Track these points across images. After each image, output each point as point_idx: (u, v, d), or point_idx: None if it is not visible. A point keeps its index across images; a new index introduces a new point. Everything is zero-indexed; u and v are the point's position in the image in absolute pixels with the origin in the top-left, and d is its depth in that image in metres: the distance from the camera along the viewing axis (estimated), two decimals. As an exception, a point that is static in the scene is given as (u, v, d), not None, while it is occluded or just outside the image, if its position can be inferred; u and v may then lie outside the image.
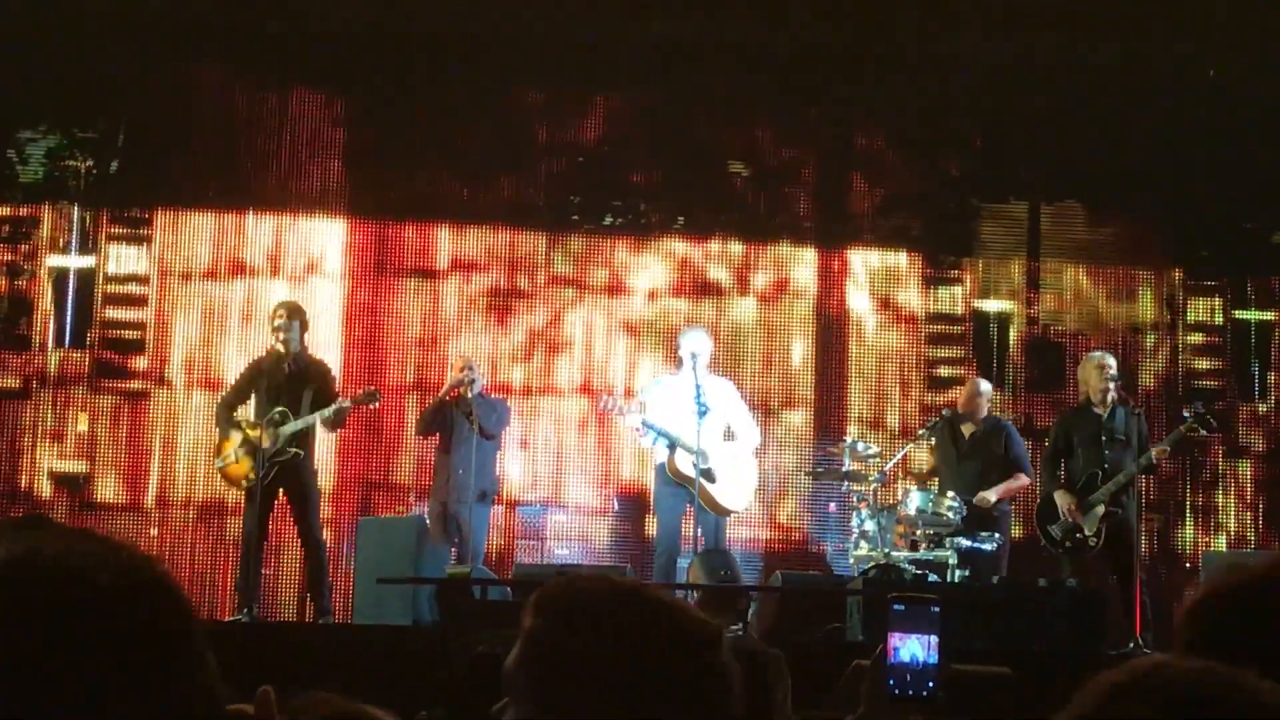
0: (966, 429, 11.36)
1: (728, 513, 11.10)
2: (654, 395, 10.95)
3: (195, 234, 13.04)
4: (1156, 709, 1.49)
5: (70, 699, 1.47)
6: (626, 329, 13.26)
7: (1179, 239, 13.82)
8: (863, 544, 10.83)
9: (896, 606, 2.87)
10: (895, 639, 2.90)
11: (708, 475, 10.68)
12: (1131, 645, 9.87)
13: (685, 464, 10.63)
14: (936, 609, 2.87)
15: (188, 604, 1.64)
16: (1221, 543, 13.38)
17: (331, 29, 12.97)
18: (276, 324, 10.59)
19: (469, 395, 11.00)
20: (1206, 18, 12.61)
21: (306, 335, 10.86)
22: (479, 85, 13.23)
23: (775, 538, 13.05)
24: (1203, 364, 13.77)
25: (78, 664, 1.48)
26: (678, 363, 11.00)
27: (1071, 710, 1.56)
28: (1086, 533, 10.64)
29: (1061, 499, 10.75)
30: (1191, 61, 13.31)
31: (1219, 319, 13.82)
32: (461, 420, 10.99)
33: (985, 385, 11.71)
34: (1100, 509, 10.59)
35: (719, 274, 13.44)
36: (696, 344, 10.87)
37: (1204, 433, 11.37)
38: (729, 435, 11.08)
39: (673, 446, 10.69)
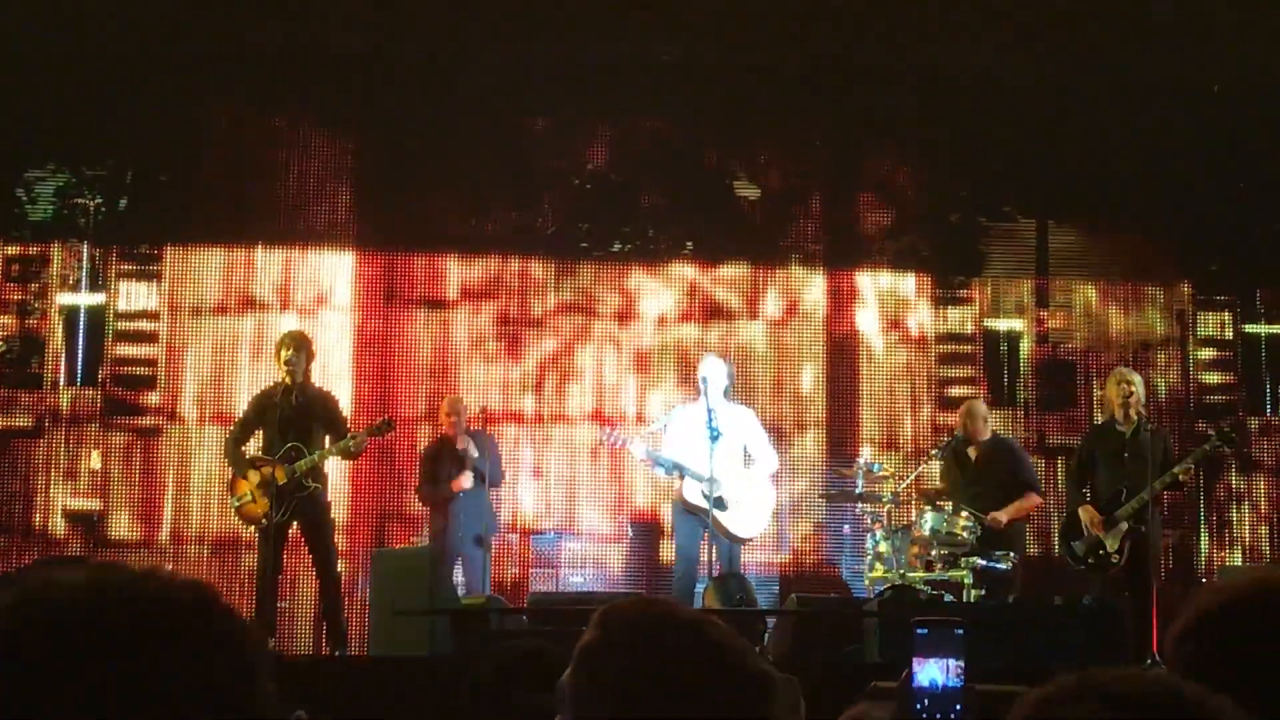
0: (972, 452, 11.34)
1: (741, 540, 11.08)
2: (672, 424, 10.96)
3: (204, 269, 13.06)
4: (1087, 712, 1.50)
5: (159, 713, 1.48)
6: (637, 355, 13.26)
7: (1187, 253, 13.82)
8: (878, 565, 10.80)
9: (920, 630, 2.86)
10: (916, 663, 2.89)
11: (718, 503, 10.66)
12: (1149, 662, 9.84)
13: (693, 493, 10.63)
14: (960, 631, 2.86)
15: (253, 629, 1.67)
16: (1237, 557, 13.35)
17: (338, 61, 13.01)
18: (283, 356, 10.59)
19: (465, 443, 11.19)
20: (1211, 31, 12.62)
21: (314, 366, 10.88)
22: (485, 114, 13.26)
23: (790, 561, 13.03)
24: (1214, 378, 13.75)
25: (164, 680, 1.49)
26: (698, 391, 10.99)
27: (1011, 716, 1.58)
28: (1110, 549, 10.61)
29: (1085, 515, 10.72)
30: (1196, 75, 13.31)
31: (1229, 333, 13.81)
32: (455, 464, 11.16)
33: (980, 407, 11.69)
34: (1124, 525, 10.56)
35: (728, 298, 13.45)
36: (709, 369, 10.87)
37: (1228, 450, 11.42)
38: (748, 461, 11.07)
39: (683, 475, 10.68)
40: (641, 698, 1.94)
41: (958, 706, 2.82)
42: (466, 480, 11.22)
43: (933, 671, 2.89)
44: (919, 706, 2.81)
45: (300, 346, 10.65)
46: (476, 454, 11.26)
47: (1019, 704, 1.59)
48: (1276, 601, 2.11)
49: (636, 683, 1.94)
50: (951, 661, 2.89)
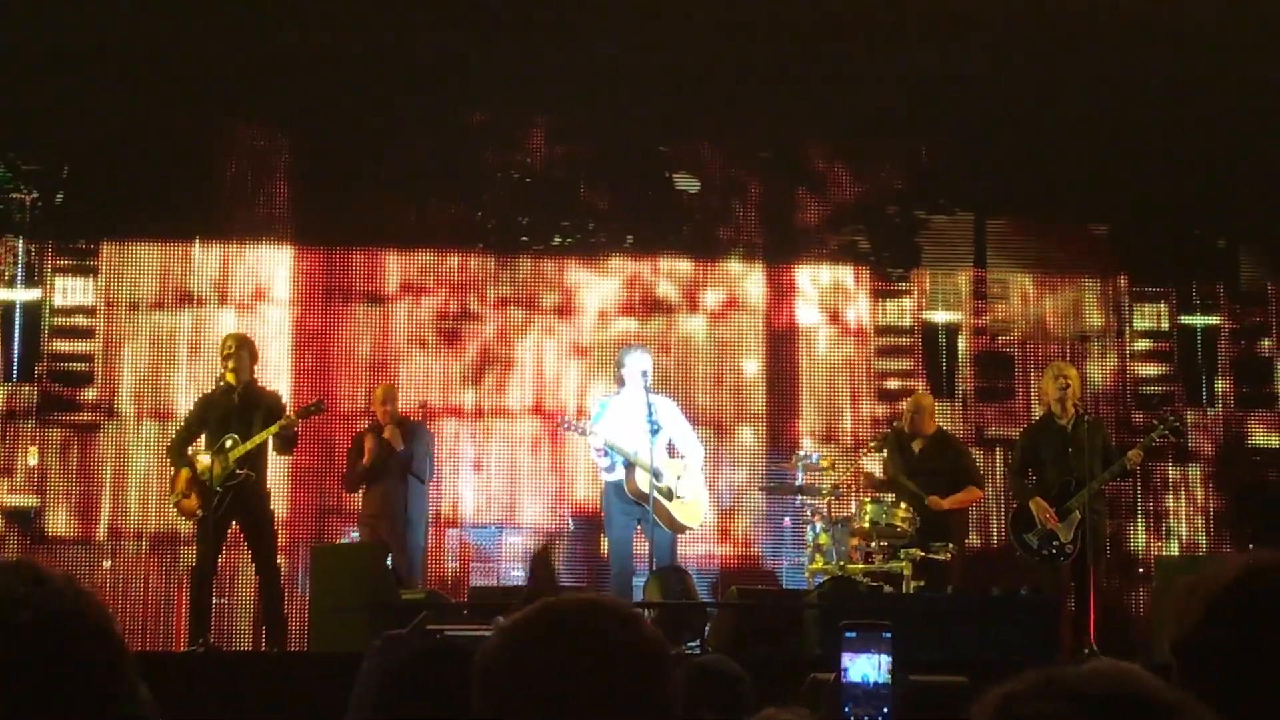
0: (915, 445, 11.42)
1: (685, 530, 11.11)
2: (605, 417, 10.95)
3: (142, 264, 12.99)
4: (1052, 709, 1.51)
5: None
6: (577, 349, 13.27)
7: (1124, 247, 13.93)
8: (817, 557, 10.85)
9: (848, 634, 2.89)
10: (846, 659, 2.92)
11: (666, 494, 10.69)
12: (1087, 651, 9.92)
13: (644, 482, 10.63)
14: (888, 635, 2.89)
15: (113, 636, 1.64)
16: (1174, 547, 13.47)
17: (275, 56, 12.94)
18: (225, 355, 10.57)
19: (395, 431, 11.17)
20: (1148, 28, 12.72)
21: (256, 365, 10.86)
22: (425, 109, 13.23)
23: (730, 554, 13.07)
24: (1150, 370, 13.87)
25: (34, 684, 1.48)
26: (619, 382, 11.00)
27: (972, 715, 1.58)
28: (1064, 540, 10.71)
29: (1037, 508, 10.80)
30: (1133, 69, 13.41)
31: (1165, 325, 13.92)
32: (387, 451, 11.15)
33: (926, 400, 11.79)
34: (1077, 515, 10.66)
35: (668, 292, 13.47)
36: (646, 362, 10.88)
37: (1174, 439, 11.60)
38: (674, 453, 11.10)
39: (630, 466, 10.69)
40: (527, 703, 1.93)
41: (885, 709, 2.85)
42: (370, 452, 11.18)
43: (862, 666, 2.92)
44: (848, 709, 2.85)
45: (242, 346, 10.65)
46: (402, 446, 11.23)
47: (983, 700, 1.60)
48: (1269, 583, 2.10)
49: (524, 689, 1.93)
50: (878, 658, 2.93)
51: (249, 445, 10.37)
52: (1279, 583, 2.08)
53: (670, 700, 1.98)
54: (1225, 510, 13.54)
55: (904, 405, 11.87)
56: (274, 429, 10.44)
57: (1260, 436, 13.80)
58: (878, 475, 11.53)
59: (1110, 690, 1.52)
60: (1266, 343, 13.93)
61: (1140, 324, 13.91)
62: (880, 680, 2.90)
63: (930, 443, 11.43)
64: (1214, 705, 1.81)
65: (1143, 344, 13.90)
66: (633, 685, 1.94)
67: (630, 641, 1.98)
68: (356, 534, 11.61)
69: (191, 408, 10.97)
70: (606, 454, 10.74)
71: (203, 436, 10.59)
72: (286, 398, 11.61)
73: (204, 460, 10.36)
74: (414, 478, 11.32)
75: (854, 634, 2.89)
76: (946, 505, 11.13)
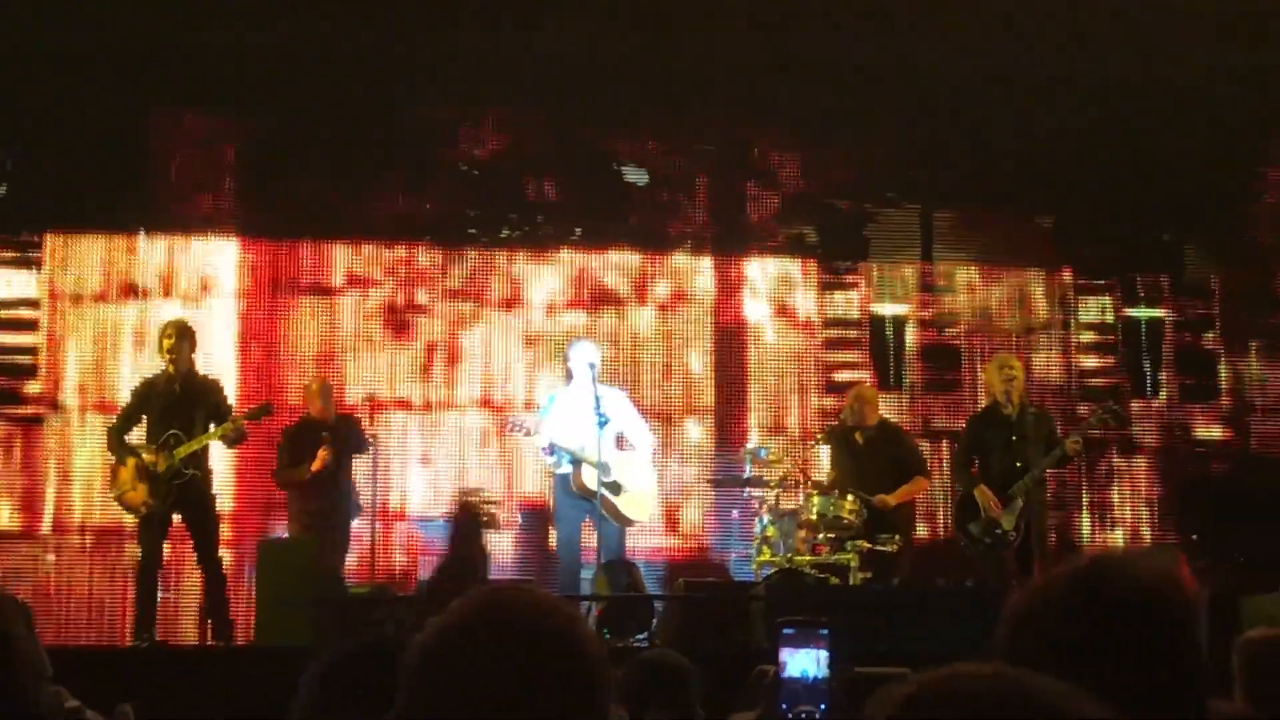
0: (860, 436, 11.46)
1: (633, 523, 11.12)
2: (552, 411, 10.95)
3: (86, 257, 12.90)
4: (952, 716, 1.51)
5: None
6: (525, 341, 13.25)
7: (1069, 239, 14.01)
8: (765, 549, 10.87)
9: (786, 630, 2.90)
10: (785, 654, 2.94)
11: (613, 487, 10.70)
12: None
13: (590, 478, 10.64)
14: (825, 631, 2.90)
15: (9, 638, 1.63)
16: (1118, 537, 13.57)
17: (220, 48, 12.85)
18: (165, 344, 10.53)
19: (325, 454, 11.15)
20: (1093, 22, 12.80)
21: (198, 354, 10.83)
22: (371, 101, 13.18)
23: (678, 546, 13.09)
24: (1095, 362, 13.95)
25: None
26: (567, 375, 11.00)
27: None
28: (1006, 528, 10.78)
29: (982, 497, 10.87)
30: (1078, 63, 13.49)
31: (1110, 317, 14.01)
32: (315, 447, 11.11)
33: (870, 392, 11.86)
34: (1020, 503, 10.74)
35: (617, 284, 13.47)
36: (593, 354, 10.89)
37: (1113, 425, 11.71)
38: (624, 444, 11.11)
39: (577, 463, 10.69)
40: (452, 704, 1.92)
41: (823, 704, 2.86)
42: (324, 460, 11.12)
43: (801, 661, 2.93)
44: (785, 706, 2.86)
45: (183, 335, 10.61)
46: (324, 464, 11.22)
47: (882, 698, 1.59)
48: (1088, 592, 2.13)
49: (449, 691, 1.92)
50: (817, 653, 2.94)
51: (194, 445, 10.34)
52: (1107, 595, 2.11)
53: (602, 701, 1.98)
54: (1168, 502, 13.64)
55: (846, 397, 11.92)
56: (220, 432, 10.42)
57: (1203, 429, 13.91)
58: (824, 481, 11.51)
59: (1010, 702, 1.52)
60: (1210, 335, 14.03)
61: (1085, 316, 13.99)
62: (819, 675, 2.92)
63: (874, 434, 11.48)
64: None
65: (1087, 336, 13.98)
66: (564, 686, 1.94)
67: (564, 642, 1.97)
68: (286, 531, 11.54)
69: (130, 396, 10.91)
70: (552, 451, 10.76)
71: (143, 426, 10.55)
72: (233, 391, 11.59)
73: (148, 455, 10.32)
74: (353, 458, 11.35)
75: (792, 630, 2.90)
76: (894, 501, 11.18)
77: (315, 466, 11.10)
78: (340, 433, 11.31)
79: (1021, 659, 2.02)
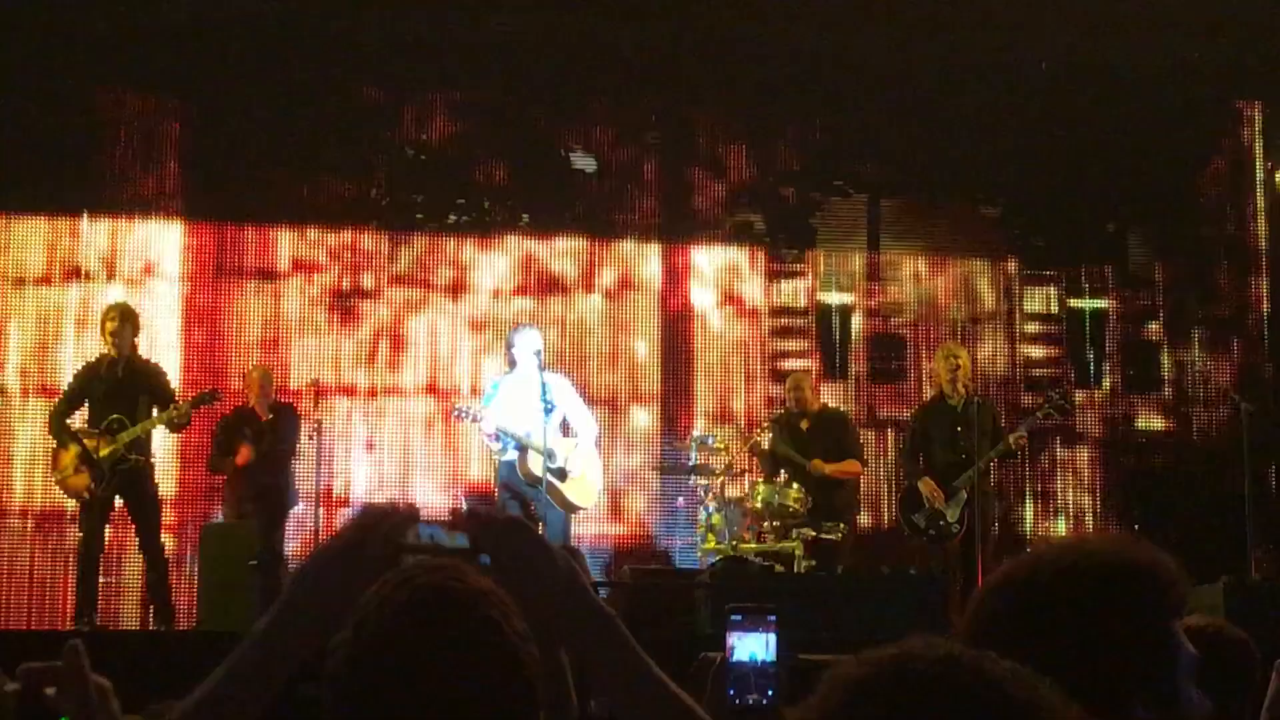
0: (803, 424, 11.49)
1: (578, 509, 11.12)
2: (497, 398, 10.91)
3: (28, 239, 12.77)
4: (899, 705, 1.50)
5: None
6: (472, 327, 13.21)
7: (1015, 229, 14.08)
8: (710, 537, 10.88)
9: (734, 617, 2.90)
10: (734, 638, 2.93)
11: (559, 474, 10.68)
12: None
13: (536, 465, 10.62)
14: (774, 618, 2.90)
15: None
16: (1061, 526, 13.65)
17: (165, 27, 12.74)
18: (108, 328, 10.46)
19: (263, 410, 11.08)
20: (1037, 11, 12.85)
21: (142, 338, 10.76)
22: (318, 84, 13.10)
23: (623, 533, 13.08)
24: (1040, 352, 14.02)
25: None
26: (510, 363, 10.98)
27: (814, 707, 1.55)
28: (950, 519, 10.84)
29: (926, 488, 10.94)
30: (1024, 54, 13.55)
31: (1054, 308, 14.08)
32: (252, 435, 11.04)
33: (805, 379, 11.90)
34: (963, 495, 10.81)
35: (564, 271, 13.44)
36: (537, 341, 10.86)
37: (1058, 417, 11.77)
38: (569, 431, 11.09)
39: (522, 449, 10.67)
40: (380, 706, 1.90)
41: (770, 690, 2.86)
42: (245, 457, 11.06)
43: (750, 645, 2.93)
44: (733, 691, 2.85)
45: (125, 318, 10.54)
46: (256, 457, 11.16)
47: (832, 683, 1.57)
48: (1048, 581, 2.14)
49: (376, 690, 1.90)
50: (765, 637, 2.94)
51: (138, 430, 10.27)
52: (1077, 580, 2.12)
53: (530, 696, 1.97)
54: (1112, 492, 13.73)
55: (785, 386, 11.96)
56: (165, 418, 10.36)
57: (1145, 420, 14.00)
58: (764, 448, 11.54)
59: (963, 686, 1.51)
60: (1154, 326, 14.12)
61: (1030, 306, 14.06)
62: (767, 659, 2.91)
63: (817, 420, 11.53)
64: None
65: (1032, 326, 14.05)
66: (495, 686, 1.92)
67: (494, 639, 1.95)
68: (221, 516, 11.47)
69: (72, 379, 10.83)
70: (498, 438, 10.73)
71: (85, 410, 10.48)
72: (176, 375, 11.52)
73: (91, 440, 10.25)
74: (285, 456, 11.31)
75: (740, 616, 2.90)
76: (829, 471, 11.21)
77: (239, 462, 11.03)
78: (274, 425, 11.22)
79: (992, 638, 2.03)
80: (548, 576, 1.98)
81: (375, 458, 12.90)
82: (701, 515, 11.11)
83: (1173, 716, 2.09)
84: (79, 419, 10.59)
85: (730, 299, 13.62)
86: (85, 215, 12.85)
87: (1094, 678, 2.02)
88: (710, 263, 13.67)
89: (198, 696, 1.92)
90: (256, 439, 11.03)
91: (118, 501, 10.52)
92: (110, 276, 12.78)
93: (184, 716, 1.85)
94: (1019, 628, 2.10)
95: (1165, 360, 14.06)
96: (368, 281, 13.15)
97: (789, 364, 13.39)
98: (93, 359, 10.77)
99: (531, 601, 1.98)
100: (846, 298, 13.85)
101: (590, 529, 12.49)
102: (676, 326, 13.52)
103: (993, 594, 2.17)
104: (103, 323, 10.61)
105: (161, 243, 12.92)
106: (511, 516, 2.09)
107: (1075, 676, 1.93)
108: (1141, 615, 2.11)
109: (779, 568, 10.61)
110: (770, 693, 2.87)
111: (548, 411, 10.50)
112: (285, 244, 13.08)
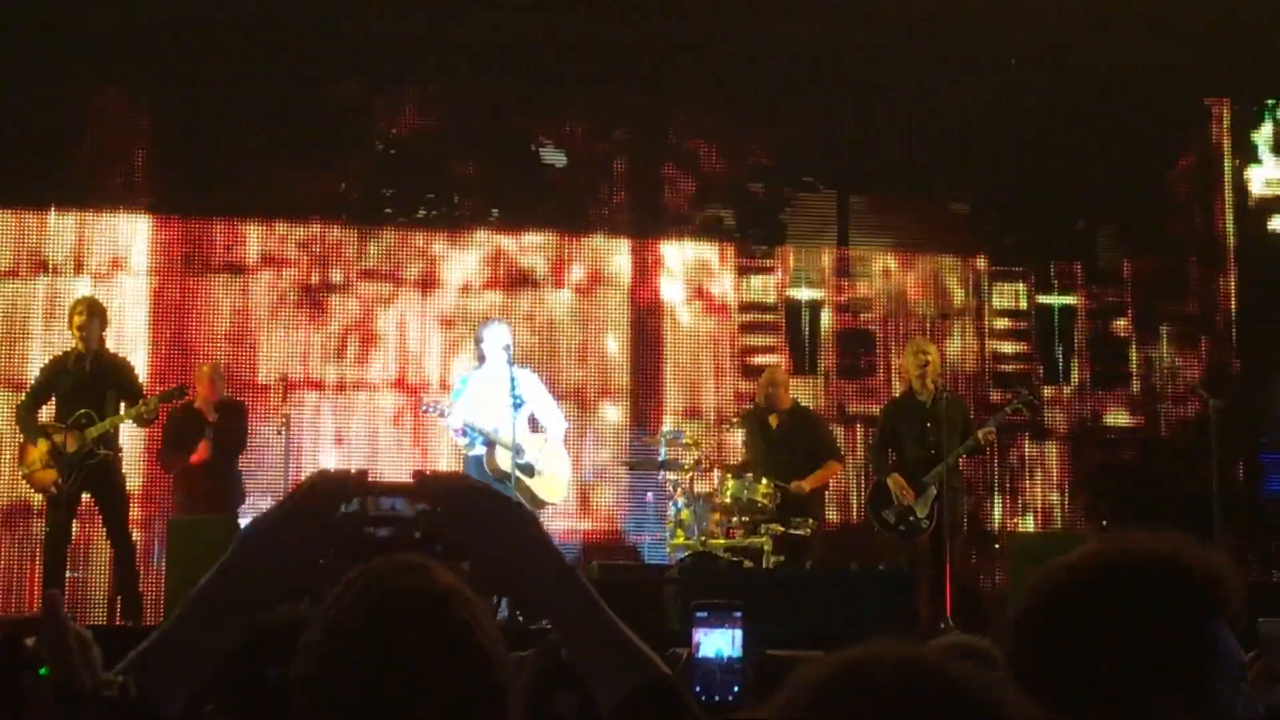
0: (773, 420, 11.49)
1: (546, 505, 11.10)
2: (466, 393, 10.88)
3: (-6, 232, 12.72)
4: (861, 707, 1.50)
5: None
6: (441, 322, 13.19)
7: (984, 226, 14.11)
8: (679, 532, 10.88)
9: (700, 613, 2.89)
10: (700, 634, 2.93)
11: (527, 470, 10.67)
12: (943, 626, 10.06)
13: (504, 460, 10.60)
14: (739, 614, 2.90)
15: None
16: (1029, 523, 13.69)
17: (135, 20, 12.68)
18: (75, 322, 10.42)
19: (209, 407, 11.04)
20: (1007, 9, 12.88)
21: (110, 332, 10.72)
22: (288, 77, 13.05)
23: (591, 529, 13.08)
24: (1008, 348, 14.06)
25: None
26: (479, 358, 10.96)
27: (776, 708, 1.55)
28: (920, 515, 10.85)
29: (894, 484, 10.96)
30: (993, 50, 13.58)
31: (1024, 304, 14.12)
32: (201, 432, 10.97)
33: (779, 375, 11.88)
34: (933, 490, 10.82)
35: (533, 266, 13.43)
36: (506, 336, 10.83)
37: (1026, 413, 11.81)
38: (536, 426, 11.08)
39: (490, 444, 10.65)
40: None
41: (736, 686, 2.86)
42: (204, 454, 11.00)
43: (716, 640, 2.93)
44: (700, 689, 2.85)
45: (93, 313, 10.50)
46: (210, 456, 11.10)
47: (794, 686, 1.57)
48: (1115, 577, 2.15)
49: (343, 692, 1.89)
50: (732, 633, 2.93)
51: (106, 425, 10.23)
52: (1114, 575, 2.13)
53: (501, 699, 1.96)
54: (1080, 488, 13.77)
55: (758, 381, 11.96)
56: (134, 413, 10.33)
57: (1114, 416, 14.05)
58: (736, 463, 11.53)
59: (925, 688, 1.50)
60: (1122, 322, 14.17)
61: (999, 303, 14.09)
62: (733, 655, 2.91)
63: (787, 417, 11.52)
64: (1040, 681, 1.86)
65: (1001, 322, 14.08)
66: (464, 682, 1.91)
67: (462, 636, 1.95)
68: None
69: (39, 373, 10.78)
70: (466, 433, 10.70)
71: (52, 404, 10.44)
72: (144, 370, 11.46)
73: (59, 435, 10.21)
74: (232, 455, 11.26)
75: (705, 612, 2.90)
76: (809, 487, 11.22)
77: (194, 459, 10.96)
78: (221, 423, 11.14)
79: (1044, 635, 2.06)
80: (506, 530, 1.98)
81: (344, 452, 12.86)
82: (670, 510, 11.10)
83: (1206, 718, 2.08)
84: (46, 413, 10.54)
85: (700, 294, 13.63)
86: (53, 209, 12.79)
87: (1121, 672, 2.04)
88: (680, 258, 13.66)
89: (137, 654, 1.90)
90: (208, 438, 10.98)
91: (85, 496, 10.47)
92: (78, 270, 12.72)
93: (125, 671, 1.83)
94: (1057, 617, 2.11)
95: (1134, 356, 14.11)
96: (336, 276, 13.11)
97: (759, 359, 13.40)
98: (60, 353, 10.72)
99: (494, 560, 1.97)
100: (816, 293, 13.87)
101: (559, 524, 12.47)
102: (646, 322, 13.52)
103: (1041, 582, 2.18)
104: (70, 317, 10.56)
105: (129, 237, 12.86)
106: (468, 478, 2.09)
107: (1104, 669, 1.95)
108: (1174, 611, 2.11)
109: (748, 563, 10.62)
110: (735, 689, 2.86)
111: (516, 407, 10.48)
112: (254, 238, 13.03)
